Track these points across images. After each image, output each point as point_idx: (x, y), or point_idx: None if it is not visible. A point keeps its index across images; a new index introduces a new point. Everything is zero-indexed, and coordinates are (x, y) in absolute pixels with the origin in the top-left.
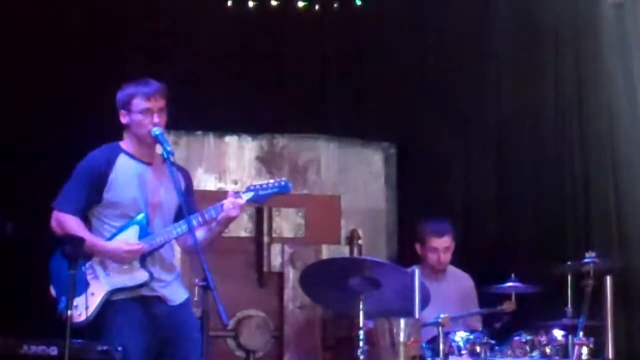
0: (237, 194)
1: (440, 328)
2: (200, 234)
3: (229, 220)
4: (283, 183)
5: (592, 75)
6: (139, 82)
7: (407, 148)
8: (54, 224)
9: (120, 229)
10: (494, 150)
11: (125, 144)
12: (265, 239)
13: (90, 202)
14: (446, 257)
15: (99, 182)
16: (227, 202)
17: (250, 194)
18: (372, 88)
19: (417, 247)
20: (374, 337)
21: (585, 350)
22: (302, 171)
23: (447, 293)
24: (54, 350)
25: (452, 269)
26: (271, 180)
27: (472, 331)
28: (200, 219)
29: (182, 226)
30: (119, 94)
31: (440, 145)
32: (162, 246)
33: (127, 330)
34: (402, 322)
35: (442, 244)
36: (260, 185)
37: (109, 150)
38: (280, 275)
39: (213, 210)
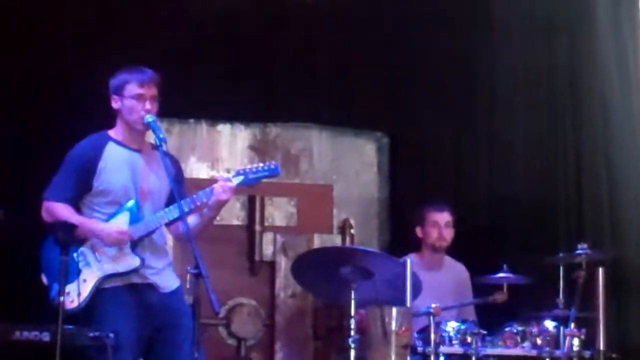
0: (227, 178)
1: (431, 318)
2: (192, 220)
3: (220, 204)
4: (273, 166)
5: (585, 66)
6: (133, 69)
7: (399, 137)
8: (44, 214)
9: (111, 216)
10: (487, 140)
11: (114, 131)
12: (258, 227)
13: (80, 191)
14: (447, 233)
15: (88, 170)
16: (217, 186)
17: (240, 178)
18: (365, 77)
19: (418, 230)
20: (365, 325)
21: (576, 341)
22: (294, 160)
23: (443, 283)
24: (46, 336)
25: (448, 259)
26: (261, 164)
27: (463, 321)
28: (191, 204)
29: (172, 211)
30: (113, 80)
31: (433, 135)
32: (153, 232)
33: (119, 318)
34: (394, 310)
35: (442, 218)
36: (250, 169)
37: (97, 139)
38: (272, 264)
39: (203, 195)
